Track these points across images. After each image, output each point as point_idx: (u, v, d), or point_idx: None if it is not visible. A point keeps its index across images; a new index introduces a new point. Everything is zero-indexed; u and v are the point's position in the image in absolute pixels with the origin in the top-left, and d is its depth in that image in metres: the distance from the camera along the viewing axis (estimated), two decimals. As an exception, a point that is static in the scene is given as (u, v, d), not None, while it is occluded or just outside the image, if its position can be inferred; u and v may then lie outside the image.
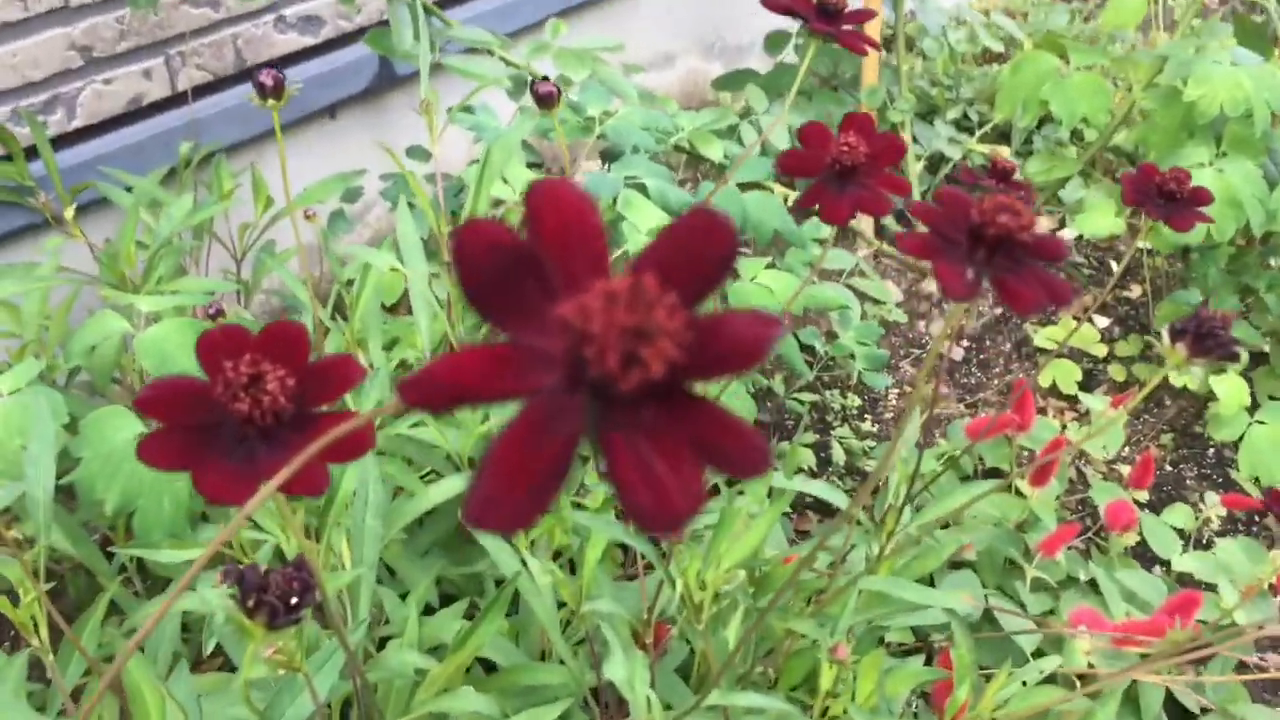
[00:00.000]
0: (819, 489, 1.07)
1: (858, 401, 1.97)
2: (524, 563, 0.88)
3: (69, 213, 1.31)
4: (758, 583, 0.86)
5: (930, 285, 2.19)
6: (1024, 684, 0.92)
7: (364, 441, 0.41)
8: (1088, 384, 2.05)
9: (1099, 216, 1.82)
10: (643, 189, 1.43)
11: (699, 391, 0.24)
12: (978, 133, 2.51)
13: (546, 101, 0.84)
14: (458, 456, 1.02)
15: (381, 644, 0.98)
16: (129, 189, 1.54)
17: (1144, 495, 1.81)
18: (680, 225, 0.24)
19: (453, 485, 0.94)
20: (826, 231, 1.81)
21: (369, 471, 0.88)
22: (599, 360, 0.22)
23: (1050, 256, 0.60)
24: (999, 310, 2.23)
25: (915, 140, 2.38)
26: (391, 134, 2.02)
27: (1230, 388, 1.67)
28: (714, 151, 1.65)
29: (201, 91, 1.82)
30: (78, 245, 1.54)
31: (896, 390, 2.05)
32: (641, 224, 1.35)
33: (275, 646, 0.67)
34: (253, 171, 1.54)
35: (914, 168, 2.25)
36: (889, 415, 2.00)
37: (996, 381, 2.05)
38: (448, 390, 0.23)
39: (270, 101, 0.87)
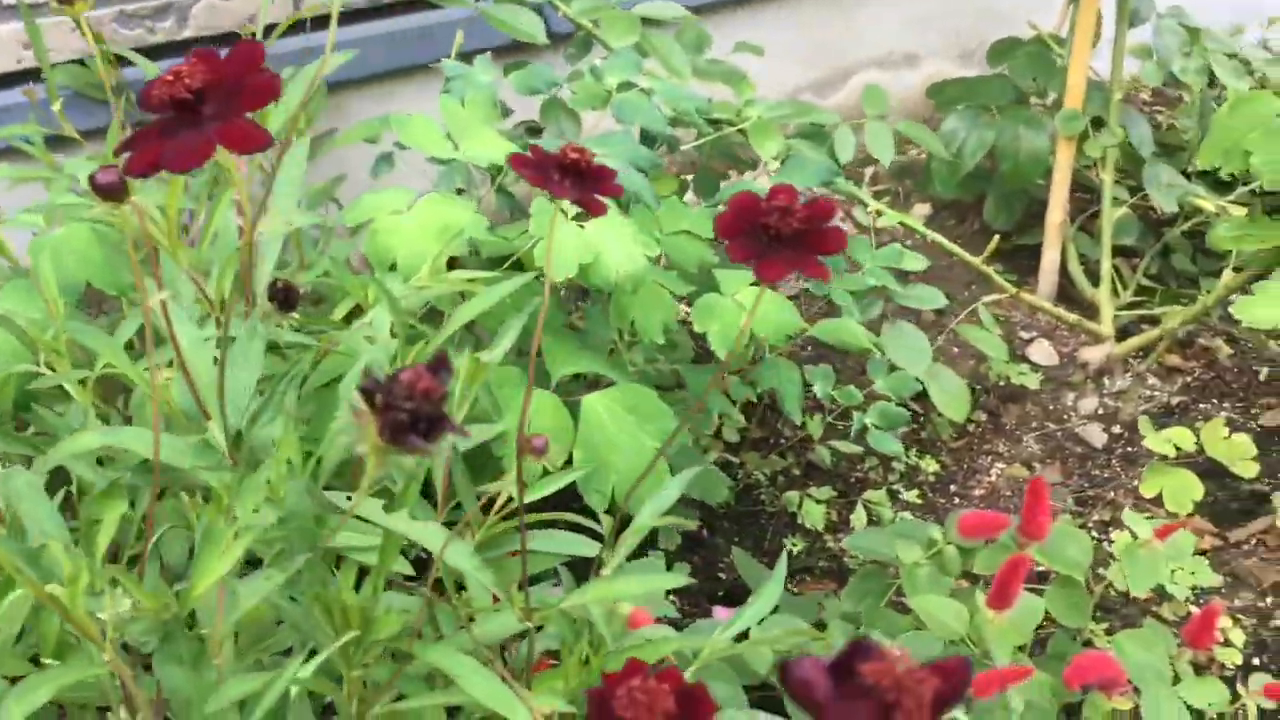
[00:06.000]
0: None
1: (934, 467, 1.69)
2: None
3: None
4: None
5: (1089, 354, 1.84)
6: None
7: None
8: (1222, 511, 1.65)
9: (1266, 305, 1.44)
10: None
11: None
12: (1245, 187, 2.08)
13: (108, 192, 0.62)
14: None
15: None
16: None
17: (1234, 657, 1.43)
18: None
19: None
20: (915, 263, 1.56)
21: None
22: None
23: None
24: (1176, 400, 1.84)
25: (1120, 182, 2.01)
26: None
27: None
28: (769, 148, 1.45)
29: None
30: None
31: (1003, 466, 1.74)
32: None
33: None
34: None
35: (1111, 213, 1.89)
36: (978, 491, 1.70)
37: (1138, 482, 1.69)
38: None
39: None
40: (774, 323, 1.28)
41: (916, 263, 1.55)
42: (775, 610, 1.38)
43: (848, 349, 1.40)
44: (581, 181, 0.60)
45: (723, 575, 1.52)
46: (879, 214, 1.59)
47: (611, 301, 1.24)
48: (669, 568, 1.45)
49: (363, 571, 0.86)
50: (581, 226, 1.19)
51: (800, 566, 1.55)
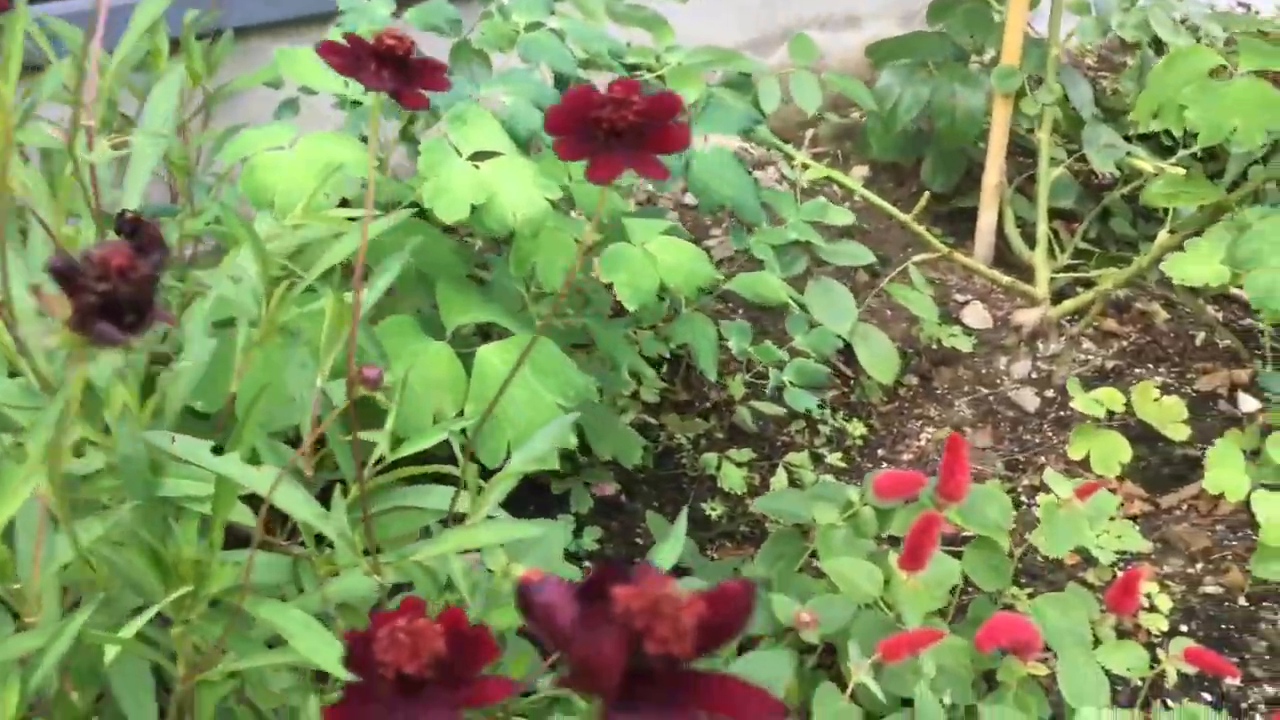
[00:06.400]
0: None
1: (862, 430, 1.64)
2: None
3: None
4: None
5: (1022, 316, 1.79)
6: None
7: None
8: (1154, 476, 1.61)
9: (1197, 262, 1.40)
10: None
11: None
12: (1186, 150, 2.03)
13: None
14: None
15: None
16: None
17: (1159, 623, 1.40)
18: None
19: None
20: (841, 218, 1.50)
21: None
22: None
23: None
24: (1111, 364, 1.80)
25: (1061, 145, 1.97)
26: None
27: (1285, 512, 1.22)
28: (687, 94, 1.39)
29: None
30: None
31: (933, 430, 1.69)
32: (469, 143, 1.13)
33: None
34: None
35: (1048, 173, 1.84)
36: (907, 456, 1.66)
37: (1069, 447, 1.65)
38: None
39: None
40: (684, 272, 1.22)
41: (842, 217, 1.50)
42: (687, 574, 1.33)
43: (766, 304, 1.34)
44: (402, 73, 0.54)
45: (639, 540, 1.47)
46: (805, 167, 1.53)
47: (512, 248, 1.18)
48: (579, 532, 1.39)
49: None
50: (477, 166, 1.12)
51: (721, 532, 1.49)
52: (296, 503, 0.68)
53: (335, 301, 0.86)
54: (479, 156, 1.14)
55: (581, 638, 0.29)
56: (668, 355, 1.49)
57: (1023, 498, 1.57)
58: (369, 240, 1.04)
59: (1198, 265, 1.39)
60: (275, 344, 0.96)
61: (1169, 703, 1.29)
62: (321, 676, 0.91)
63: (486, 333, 1.34)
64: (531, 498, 1.41)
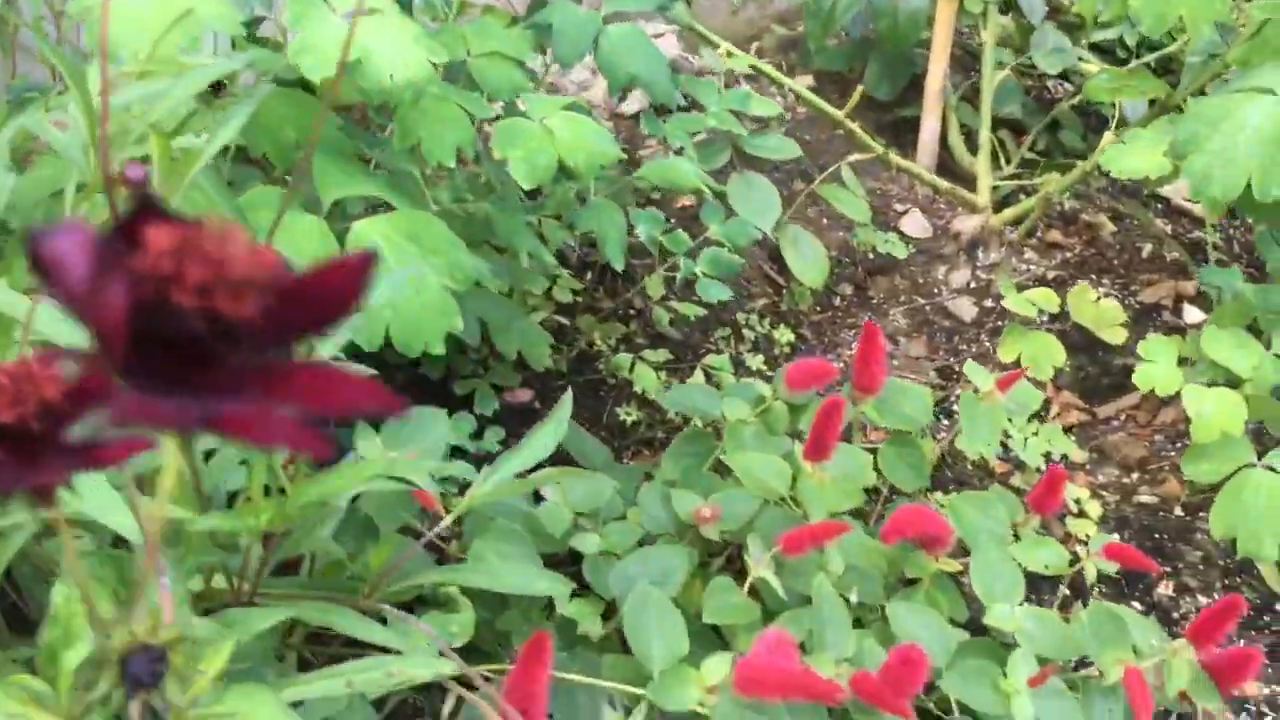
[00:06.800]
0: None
1: (790, 338, 1.57)
2: None
3: None
4: None
5: (962, 224, 1.72)
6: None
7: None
8: (1093, 386, 1.55)
9: (1137, 154, 1.32)
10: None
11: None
12: (1146, 56, 1.94)
13: None
14: None
15: None
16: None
17: (1088, 528, 1.34)
18: None
19: None
20: (763, 106, 1.42)
21: None
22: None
23: None
24: (1053, 274, 1.73)
25: (1011, 53, 1.89)
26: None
27: (1219, 406, 1.16)
28: (598, -30, 1.30)
29: None
30: None
31: (866, 339, 1.62)
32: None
33: None
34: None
35: (992, 76, 1.76)
36: (837, 365, 1.58)
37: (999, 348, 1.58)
38: None
39: None
40: (585, 150, 1.14)
41: (767, 108, 1.42)
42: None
43: (681, 192, 1.25)
44: None
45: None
46: (729, 55, 1.44)
47: (396, 119, 1.09)
48: (480, 433, 1.32)
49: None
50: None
51: (639, 439, 1.42)
52: (73, 336, 0.60)
53: (160, 145, 0.78)
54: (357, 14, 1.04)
55: (96, 294, 0.21)
56: (577, 248, 1.40)
57: (954, 407, 1.51)
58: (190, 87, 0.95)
59: (1137, 157, 1.32)
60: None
61: (1094, 608, 1.23)
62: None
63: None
64: (431, 397, 1.33)
